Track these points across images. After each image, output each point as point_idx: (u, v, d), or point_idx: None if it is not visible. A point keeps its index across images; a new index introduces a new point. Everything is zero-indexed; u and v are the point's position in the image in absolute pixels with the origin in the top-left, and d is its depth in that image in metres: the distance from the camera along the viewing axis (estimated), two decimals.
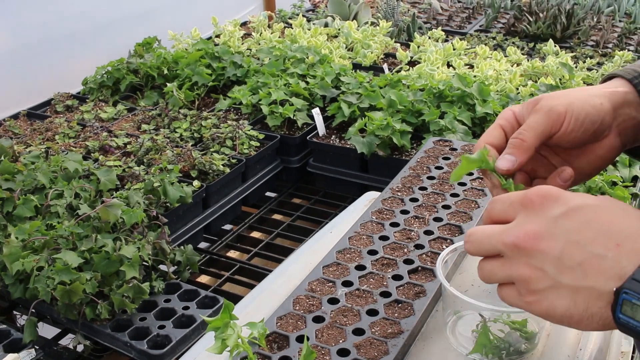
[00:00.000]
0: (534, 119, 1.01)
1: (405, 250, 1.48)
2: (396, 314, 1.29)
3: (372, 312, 1.29)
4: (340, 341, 1.21)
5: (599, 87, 1.06)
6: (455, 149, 1.93)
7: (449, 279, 1.41)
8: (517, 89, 3.15)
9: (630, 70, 1.07)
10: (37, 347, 1.83)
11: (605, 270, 0.77)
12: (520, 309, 0.85)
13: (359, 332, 1.23)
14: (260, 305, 1.45)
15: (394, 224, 1.58)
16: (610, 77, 1.10)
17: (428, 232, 1.54)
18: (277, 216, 2.78)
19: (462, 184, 1.73)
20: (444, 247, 1.48)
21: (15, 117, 3.12)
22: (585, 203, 0.82)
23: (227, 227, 2.73)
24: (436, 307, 1.37)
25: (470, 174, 1.76)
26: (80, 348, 1.89)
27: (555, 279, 0.79)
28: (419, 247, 1.49)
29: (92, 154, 2.64)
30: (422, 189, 1.73)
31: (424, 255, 1.45)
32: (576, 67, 3.47)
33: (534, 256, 0.81)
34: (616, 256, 0.77)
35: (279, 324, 1.26)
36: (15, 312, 2.11)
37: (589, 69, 3.54)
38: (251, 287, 2.20)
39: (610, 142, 1.05)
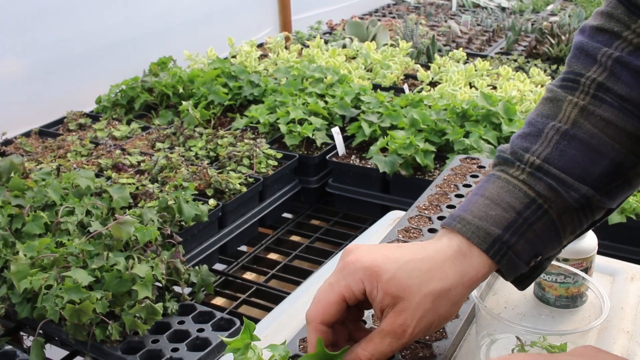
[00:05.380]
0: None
1: None
2: (427, 337, 1.20)
3: None
4: None
5: (449, 267, 0.95)
6: (483, 167, 1.85)
7: (482, 300, 1.32)
8: None
9: (482, 235, 0.96)
10: None
11: None
12: None
13: None
14: (280, 326, 1.36)
15: None
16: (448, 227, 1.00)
17: None
18: (295, 237, 2.70)
19: None
20: None
21: (27, 135, 3.07)
22: None
23: (243, 248, 2.65)
24: (468, 330, 1.28)
25: None
26: None
27: None
28: None
29: (104, 172, 2.57)
30: (450, 207, 1.65)
31: None
32: None
33: None
34: None
35: (301, 346, 1.17)
36: (22, 333, 2.03)
37: None
38: (268, 309, 2.12)
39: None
